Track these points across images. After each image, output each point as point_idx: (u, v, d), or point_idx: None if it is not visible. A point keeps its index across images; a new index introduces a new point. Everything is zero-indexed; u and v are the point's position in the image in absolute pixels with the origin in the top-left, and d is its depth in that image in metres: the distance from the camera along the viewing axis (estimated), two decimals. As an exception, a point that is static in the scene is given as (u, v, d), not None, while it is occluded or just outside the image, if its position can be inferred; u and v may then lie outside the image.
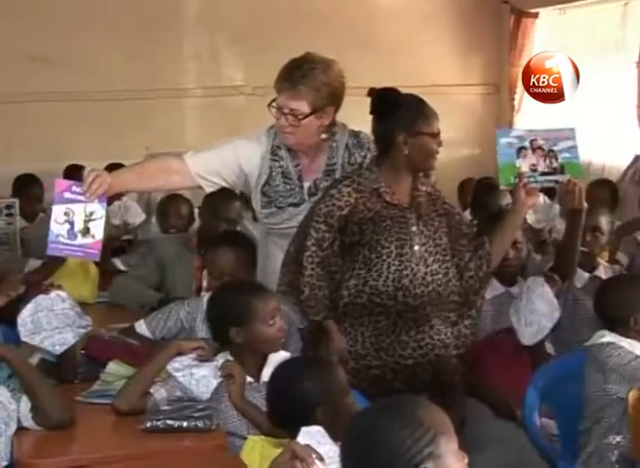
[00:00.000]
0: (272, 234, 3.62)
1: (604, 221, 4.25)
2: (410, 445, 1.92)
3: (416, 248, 3.38)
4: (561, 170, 3.48)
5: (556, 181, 3.53)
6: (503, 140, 3.47)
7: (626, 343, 3.38)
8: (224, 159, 3.53)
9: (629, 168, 6.29)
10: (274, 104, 3.46)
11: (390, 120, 3.33)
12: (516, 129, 3.51)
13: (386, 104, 3.34)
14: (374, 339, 3.36)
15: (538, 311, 3.70)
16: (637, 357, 3.35)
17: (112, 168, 6.39)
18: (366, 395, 3.11)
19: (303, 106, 3.42)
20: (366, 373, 3.36)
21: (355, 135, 3.62)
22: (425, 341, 3.38)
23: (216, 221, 4.62)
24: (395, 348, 3.37)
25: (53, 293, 3.17)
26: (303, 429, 1.99)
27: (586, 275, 4.17)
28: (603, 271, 4.21)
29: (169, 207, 5.22)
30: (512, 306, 3.78)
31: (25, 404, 2.91)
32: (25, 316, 3.12)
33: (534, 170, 3.45)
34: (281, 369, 2.83)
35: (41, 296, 3.15)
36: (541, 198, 5.34)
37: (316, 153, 3.57)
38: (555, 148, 3.47)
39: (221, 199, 4.85)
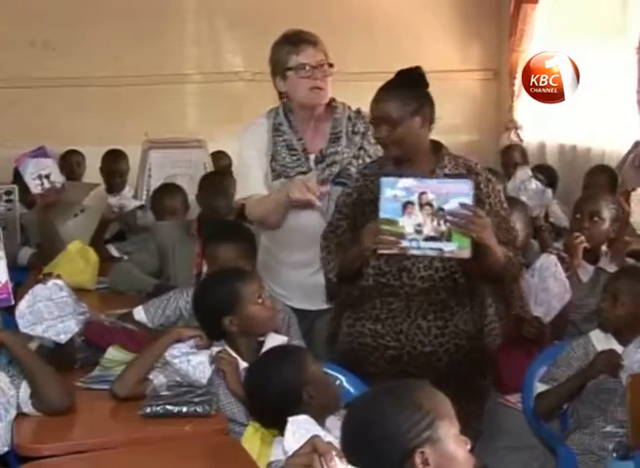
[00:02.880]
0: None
1: (604, 206, 4.20)
2: (408, 428, 1.91)
3: None
4: (448, 235, 3.00)
5: (440, 250, 3.02)
6: (388, 192, 3.01)
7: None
8: (256, 167, 3.67)
9: (629, 153, 6.27)
10: (307, 70, 3.58)
11: None
12: (404, 179, 3.02)
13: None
14: (391, 322, 3.34)
15: (549, 291, 3.70)
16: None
17: (111, 154, 6.43)
18: (380, 377, 3.20)
19: (324, 55, 3.62)
20: (382, 353, 3.34)
21: (355, 110, 3.76)
22: (449, 329, 3.33)
23: (216, 200, 4.58)
24: (416, 333, 3.32)
25: (50, 283, 3.12)
26: (290, 419, 1.96)
27: (591, 268, 4.14)
28: (607, 261, 4.16)
29: (163, 196, 5.21)
30: (523, 282, 3.75)
31: (25, 390, 2.91)
32: (23, 307, 3.07)
33: (419, 231, 3.00)
34: (257, 363, 2.92)
35: (39, 286, 3.11)
36: (534, 184, 5.26)
37: (318, 124, 3.69)
38: (446, 207, 2.98)
39: (217, 176, 4.97)
